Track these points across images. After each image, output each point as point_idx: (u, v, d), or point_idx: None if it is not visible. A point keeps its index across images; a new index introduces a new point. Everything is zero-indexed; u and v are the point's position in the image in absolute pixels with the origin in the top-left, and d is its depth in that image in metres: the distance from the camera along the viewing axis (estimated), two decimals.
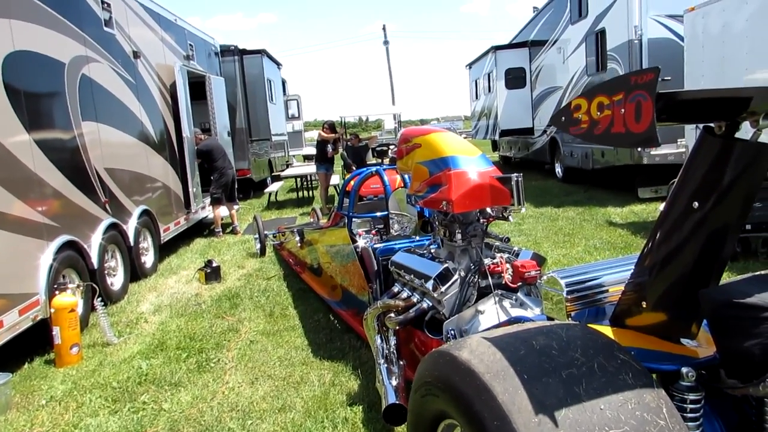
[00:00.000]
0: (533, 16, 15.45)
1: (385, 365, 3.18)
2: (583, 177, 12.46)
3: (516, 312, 3.06)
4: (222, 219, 10.15)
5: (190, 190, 9.41)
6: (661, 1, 9.36)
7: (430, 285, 3.17)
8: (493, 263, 3.19)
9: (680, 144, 9.75)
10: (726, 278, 2.11)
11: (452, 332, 3.05)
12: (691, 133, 7.68)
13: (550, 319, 2.39)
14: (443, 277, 3.15)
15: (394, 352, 3.32)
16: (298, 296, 6.10)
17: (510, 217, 3.03)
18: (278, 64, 17.03)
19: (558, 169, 13.83)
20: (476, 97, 19.28)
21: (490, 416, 1.58)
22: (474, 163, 3.23)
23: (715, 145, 1.68)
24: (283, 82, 18.21)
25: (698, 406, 1.84)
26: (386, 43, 33.52)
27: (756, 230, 5.91)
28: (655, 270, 1.97)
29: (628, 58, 9.63)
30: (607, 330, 1.99)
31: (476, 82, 19.08)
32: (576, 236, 7.84)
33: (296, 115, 20.44)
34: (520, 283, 3.13)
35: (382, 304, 3.41)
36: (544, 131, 14.36)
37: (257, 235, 8.23)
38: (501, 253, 3.34)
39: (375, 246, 4.17)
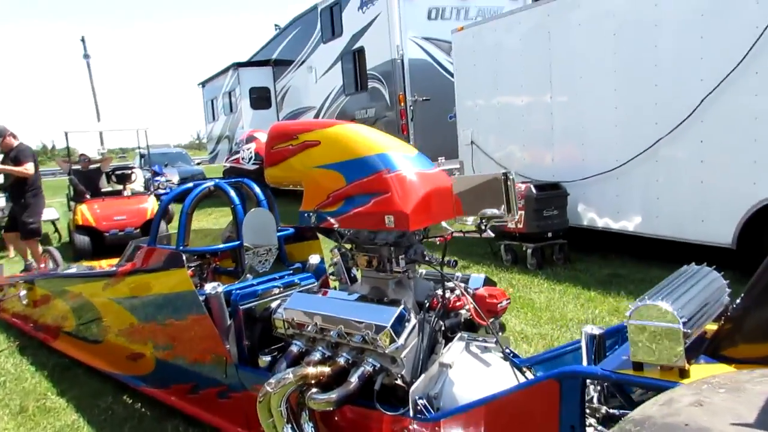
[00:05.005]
0: (276, 35, 14.91)
1: None
2: None
3: (492, 359, 2.30)
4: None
5: None
6: (417, 24, 9.67)
7: (381, 337, 2.18)
8: (455, 296, 2.37)
9: (440, 162, 10.20)
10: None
11: (422, 402, 2.12)
12: (466, 150, 7.91)
13: (637, 366, 1.69)
14: (399, 324, 2.20)
15: None
16: (58, 376, 4.24)
17: (488, 230, 2.24)
18: None
19: None
20: (213, 118, 17.85)
21: None
22: (416, 164, 2.38)
23: None
24: None
25: None
26: (87, 57, 29.40)
27: (554, 237, 6.20)
28: None
29: (391, 77, 9.71)
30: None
31: (213, 101, 17.67)
32: None
33: None
34: (492, 319, 2.37)
35: (296, 376, 2.26)
36: None
37: None
38: (443, 281, 2.52)
39: (231, 289, 2.94)
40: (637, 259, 6.00)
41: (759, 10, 4.45)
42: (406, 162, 2.34)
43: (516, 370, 2.28)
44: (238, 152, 3.43)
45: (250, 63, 15.56)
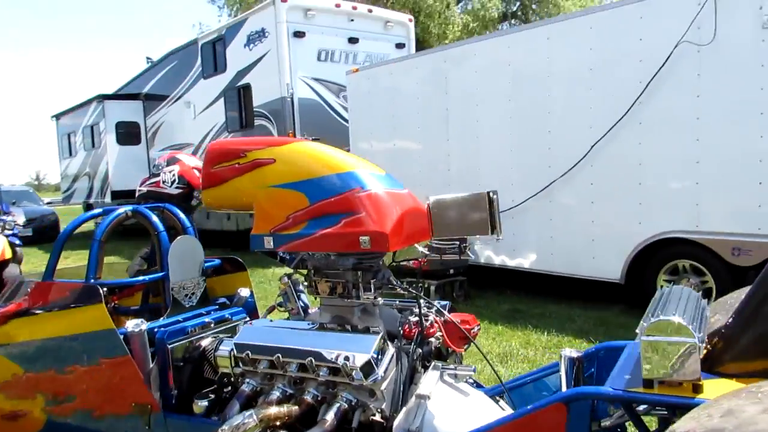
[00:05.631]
0: (147, 68, 14.08)
1: None
2: (225, 239, 11.64)
3: (467, 389, 2.19)
4: None
5: None
6: (307, 64, 9.67)
7: (358, 369, 1.98)
8: (428, 323, 2.24)
9: None
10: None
11: None
12: None
13: (648, 384, 1.67)
14: (378, 353, 2.02)
15: None
16: None
17: (468, 252, 2.15)
18: None
19: None
20: (70, 154, 16.24)
21: None
22: (387, 183, 2.26)
23: None
24: None
25: None
26: None
27: (455, 274, 6.30)
28: None
29: (280, 115, 9.54)
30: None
31: (69, 136, 16.12)
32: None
33: None
34: (466, 347, 2.27)
35: (259, 418, 1.98)
36: None
37: None
38: (419, 306, 2.38)
39: (155, 327, 2.55)
40: (533, 295, 6.27)
41: (642, 67, 4.98)
42: (375, 181, 2.21)
43: (492, 399, 2.20)
44: (157, 175, 3.07)
45: (117, 96, 14.50)
